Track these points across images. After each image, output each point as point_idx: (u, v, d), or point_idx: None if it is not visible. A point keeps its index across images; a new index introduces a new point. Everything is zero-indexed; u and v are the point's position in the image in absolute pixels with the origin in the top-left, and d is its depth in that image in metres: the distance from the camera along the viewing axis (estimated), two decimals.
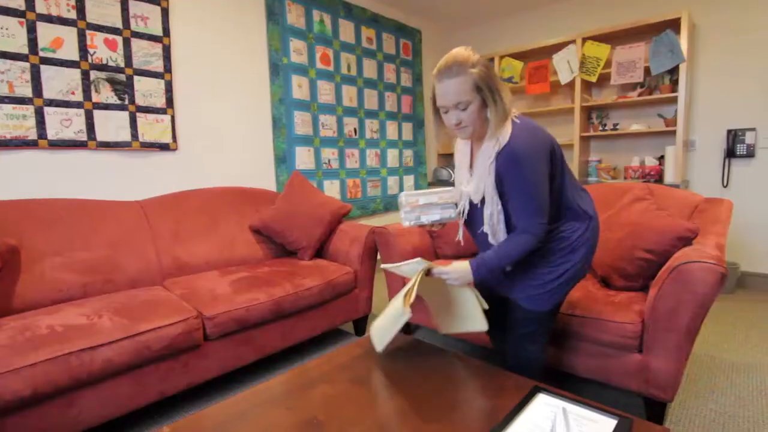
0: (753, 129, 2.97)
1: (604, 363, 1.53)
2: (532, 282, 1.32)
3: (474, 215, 1.35)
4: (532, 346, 1.38)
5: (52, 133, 2.03)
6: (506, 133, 1.15)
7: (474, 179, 1.25)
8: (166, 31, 2.39)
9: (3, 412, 1.22)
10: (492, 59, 3.95)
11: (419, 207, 1.33)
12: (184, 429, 0.99)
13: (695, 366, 1.97)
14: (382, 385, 1.14)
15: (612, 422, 0.94)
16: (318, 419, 1.00)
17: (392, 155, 3.95)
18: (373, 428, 0.96)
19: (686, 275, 1.32)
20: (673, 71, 3.08)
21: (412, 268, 1.25)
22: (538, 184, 1.16)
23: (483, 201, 1.27)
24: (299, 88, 3.12)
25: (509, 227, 1.26)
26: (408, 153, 4.13)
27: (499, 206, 1.23)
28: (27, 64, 1.95)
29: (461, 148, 1.36)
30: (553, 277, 1.29)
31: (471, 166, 1.33)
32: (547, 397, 1.06)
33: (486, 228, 1.28)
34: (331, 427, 0.97)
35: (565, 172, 1.29)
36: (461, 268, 1.24)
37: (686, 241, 1.51)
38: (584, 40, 3.37)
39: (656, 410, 1.47)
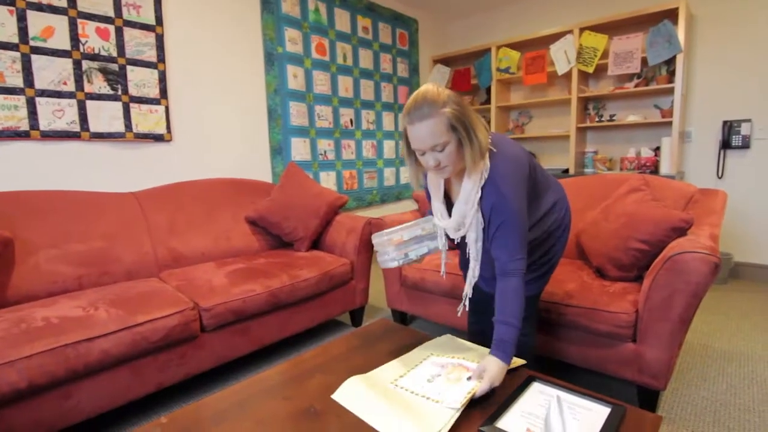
0: (749, 120, 2.98)
1: (599, 352, 1.55)
2: (528, 273, 1.35)
3: (462, 246, 1.33)
4: (523, 332, 1.40)
5: (44, 124, 2.01)
6: (486, 165, 1.12)
7: (455, 215, 1.19)
8: (159, 20, 2.35)
9: (0, 404, 1.22)
10: (489, 49, 3.92)
11: (404, 243, 1.21)
12: (182, 419, 0.99)
13: (688, 355, 1.99)
14: (373, 369, 1.15)
15: (605, 410, 0.96)
16: (315, 408, 1.01)
17: (389, 146, 3.94)
18: None
19: (680, 265, 1.33)
20: (670, 62, 3.07)
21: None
22: (524, 213, 1.15)
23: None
24: (294, 78, 3.10)
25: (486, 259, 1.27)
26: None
27: (479, 240, 1.20)
28: (17, 54, 1.92)
29: (433, 178, 1.27)
30: (546, 260, 1.36)
31: (445, 196, 1.28)
32: (541, 386, 1.07)
33: (472, 263, 1.24)
34: (328, 417, 0.98)
35: (538, 170, 1.29)
36: (496, 368, 1.04)
37: (681, 231, 1.52)
38: (582, 30, 3.35)
39: (649, 398, 1.50)
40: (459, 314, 1.44)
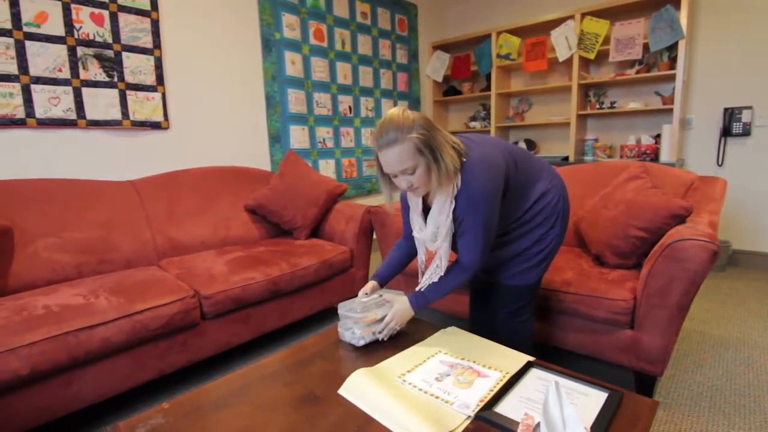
0: (750, 107, 2.96)
1: (596, 339, 1.56)
2: (522, 262, 1.37)
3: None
4: (521, 318, 1.44)
5: (40, 112, 1.99)
6: (458, 177, 1.14)
7: (429, 225, 1.23)
8: (155, 4, 2.31)
9: (3, 390, 1.23)
10: (489, 35, 3.88)
11: (376, 321, 1.25)
12: (184, 405, 1.00)
13: (685, 341, 2.01)
14: (379, 360, 1.16)
15: (603, 395, 0.97)
16: (315, 394, 1.02)
17: None
18: None
19: (679, 252, 1.33)
20: (672, 48, 3.04)
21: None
22: (492, 220, 1.18)
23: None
24: (292, 64, 3.06)
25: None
26: None
27: (449, 242, 1.22)
28: (11, 40, 1.89)
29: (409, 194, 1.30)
30: (540, 249, 1.36)
31: (423, 209, 1.30)
32: (539, 372, 1.08)
33: (435, 264, 1.27)
34: (328, 403, 0.99)
35: (521, 166, 1.29)
36: (402, 308, 1.27)
37: (680, 219, 1.52)
38: (583, 15, 3.31)
39: (646, 384, 1.51)
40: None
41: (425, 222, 1.27)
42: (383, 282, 1.42)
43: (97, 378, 1.42)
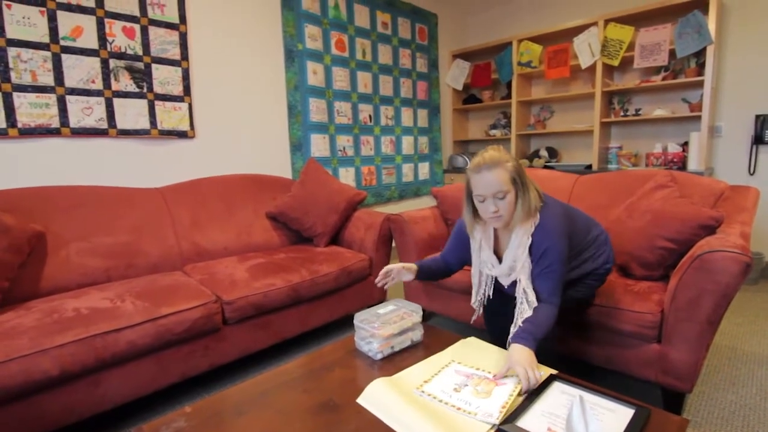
0: None
1: (622, 352, 1.52)
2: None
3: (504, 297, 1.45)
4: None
5: (74, 121, 2.07)
6: (537, 216, 1.27)
7: (506, 260, 1.32)
8: (183, 18, 2.40)
9: (35, 390, 1.28)
10: (510, 43, 3.86)
11: (393, 336, 1.26)
12: (205, 409, 1.02)
13: (716, 357, 1.93)
14: (397, 370, 1.16)
15: (629, 412, 0.94)
16: (334, 401, 1.02)
17: (407, 142, 3.92)
18: None
19: (709, 264, 1.29)
20: (700, 54, 2.96)
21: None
22: (564, 260, 1.27)
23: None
24: (314, 74, 3.11)
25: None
26: (423, 140, 4.09)
27: (528, 274, 1.28)
28: (48, 53, 1.98)
29: (481, 231, 1.41)
30: (591, 281, 1.49)
31: (496, 249, 1.41)
32: (563, 386, 1.05)
33: (520, 303, 1.29)
34: (346, 411, 0.99)
35: (583, 222, 1.45)
36: (524, 355, 1.08)
37: (710, 229, 1.47)
38: (607, 21, 3.26)
39: (674, 400, 1.46)
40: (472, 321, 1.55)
41: (498, 259, 1.38)
42: (420, 274, 1.47)
43: (122, 380, 1.46)
